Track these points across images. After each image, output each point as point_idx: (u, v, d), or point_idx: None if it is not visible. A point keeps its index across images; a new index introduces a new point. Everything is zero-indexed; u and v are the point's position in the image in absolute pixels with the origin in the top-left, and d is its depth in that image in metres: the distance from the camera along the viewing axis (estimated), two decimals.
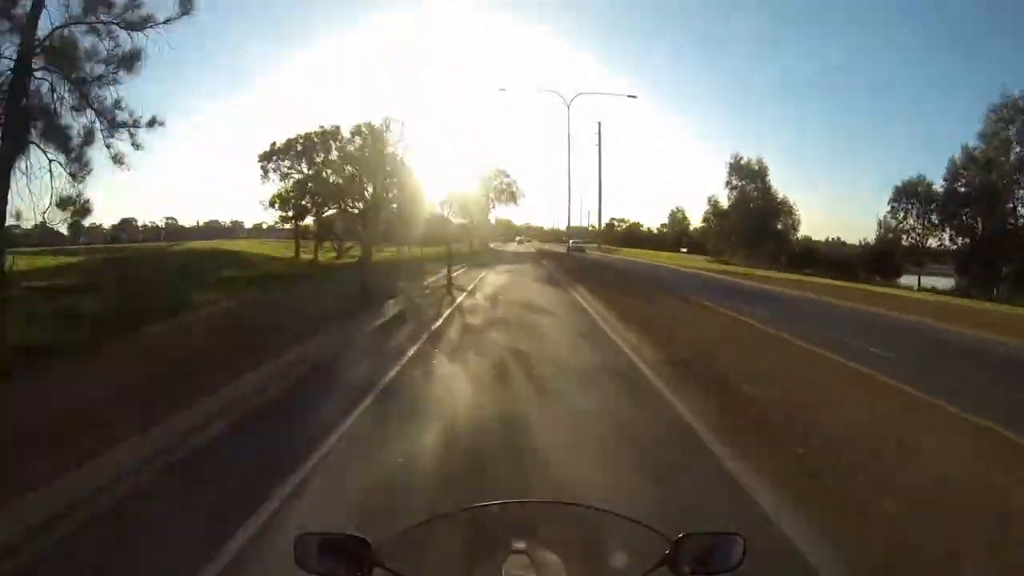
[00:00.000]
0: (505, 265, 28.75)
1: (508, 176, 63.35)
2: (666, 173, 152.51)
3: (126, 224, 78.39)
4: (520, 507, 1.24)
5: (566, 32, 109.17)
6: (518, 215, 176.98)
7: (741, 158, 46.41)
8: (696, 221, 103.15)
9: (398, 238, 48.72)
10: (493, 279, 20.76)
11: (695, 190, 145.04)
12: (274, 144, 35.61)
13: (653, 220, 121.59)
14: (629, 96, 33.29)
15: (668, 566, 0.92)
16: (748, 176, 45.59)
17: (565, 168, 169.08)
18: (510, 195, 63.39)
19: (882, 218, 37.90)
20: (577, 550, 1.08)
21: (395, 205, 42.88)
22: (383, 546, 0.95)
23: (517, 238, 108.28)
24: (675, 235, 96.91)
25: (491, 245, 71.29)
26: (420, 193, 43.13)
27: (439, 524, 1.22)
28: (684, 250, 49.84)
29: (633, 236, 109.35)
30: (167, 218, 77.12)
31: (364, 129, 37.38)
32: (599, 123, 49.80)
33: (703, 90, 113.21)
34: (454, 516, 1.21)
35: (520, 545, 1.00)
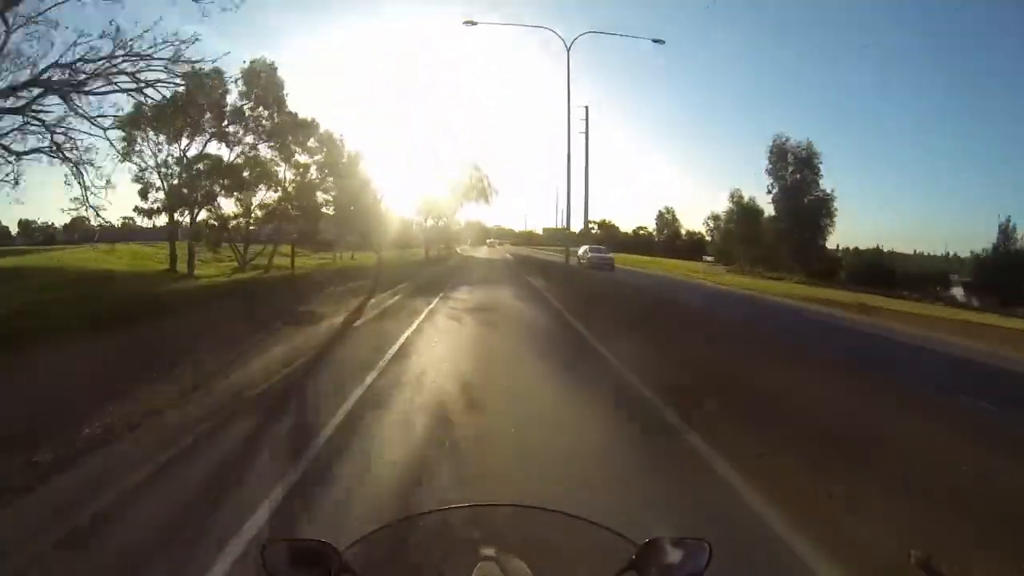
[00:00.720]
0: (472, 287, 16.78)
1: (479, 170, 52.04)
2: (636, 171, 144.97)
3: (78, 224, 65.95)
4: (488, 511, 1.30)
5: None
6: (488, 216, 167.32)
7: (786, 140, 35.81)
8: (689, 224, 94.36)
9: (336, 241, 36.57)
10: (439, 340, 8.44)
11: (674, 191, 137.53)
12: (143, 106, 22.66)
13: (625, 222, 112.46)
14: (655, 40, 22.05)
15: (634, 571, 0.91)
16: (797, 164, 34.99)
17: (540, 163, 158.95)
18: (481, 192, 52.01)
19: (1004, 221, 27.91)
20: (545, 556, 1.06)
21: (327, 197, 30.62)
22: (351, 550, 0.96)
23: (488, 241, 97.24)
24: (668, 238, 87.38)
25: (459, 249, 59.46)
26: (364, 183, 31.17)
27: (407, 527, 1.15)
28: (709, 259, 38.76)
29: (614, 240, 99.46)
30: (124, 218, 64.19)
31: (262, 75, 24.51)
32: (586, 107, 39.91)
33: (679, 82, 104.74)
34: (422, 519, 1.17)
35: (489, 551, 1.00)
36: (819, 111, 78.12)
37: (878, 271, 34.27)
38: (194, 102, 21.95)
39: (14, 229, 67.36)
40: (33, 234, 67.05)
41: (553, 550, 1.12)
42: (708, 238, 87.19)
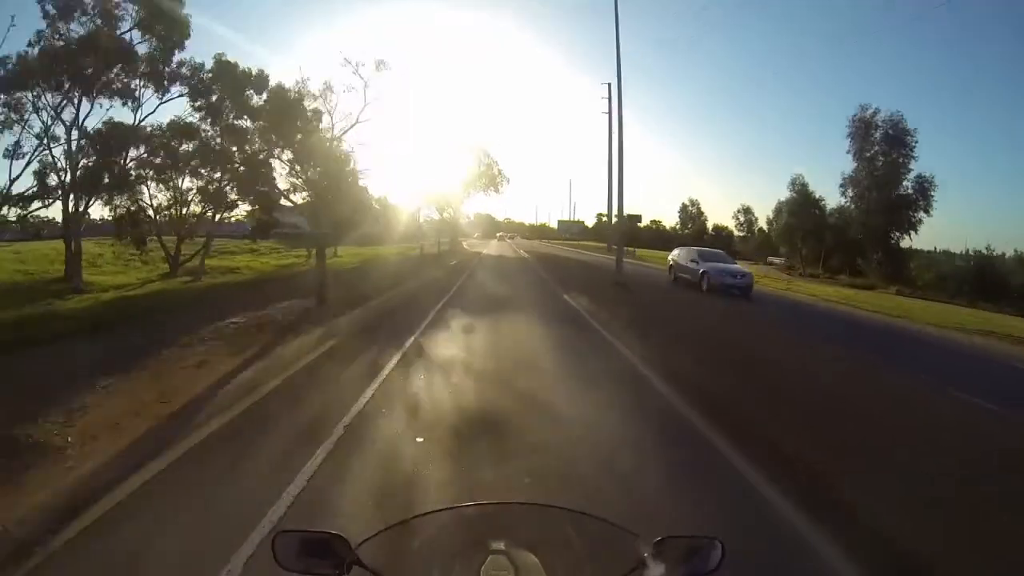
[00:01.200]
0: (473, 321, 9.26)
1: (488, 156, 45.42)
2: (645, 160, 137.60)
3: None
4: (500, 508, 1.29)
5: None
6: (498, 207, 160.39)
7: (874, 111, 28.26)
8: (716, 217, 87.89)
9: (314, 237, 29.85)
10: None
11: (690, 183, 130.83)
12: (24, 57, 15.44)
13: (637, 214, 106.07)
14: None
15: (646, 569, 0.89)
16: (885, 143, 27.45)
17: (549, 153, 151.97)
18: (491, 180, 45.50)
19: None
20: (556, 552, 1.02)
21: (294, 180, 23.79)
22: (363, 545, 0.94)
23: (499, 234, 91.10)
24: (694, 233, 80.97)
25: (465, 244, 52.69)
26: (337, 160, 24.33)
27: (418, 524, 1.11)
28: (777, 260, 31.82)
29: (633, 234, 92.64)
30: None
31: None
32: (609, 84, 34.74)
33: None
34: (433, 516, 1.14)
35: (499, 546, 0.99)
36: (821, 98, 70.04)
37: (984, 279, 26.74)
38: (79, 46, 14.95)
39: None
40: (27, 228, 63.80)
41: (564, 546, 1.06)
42: (739, 233, 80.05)
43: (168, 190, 19.31)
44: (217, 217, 20.46)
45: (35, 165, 15.63)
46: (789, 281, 24.42)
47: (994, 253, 27.61)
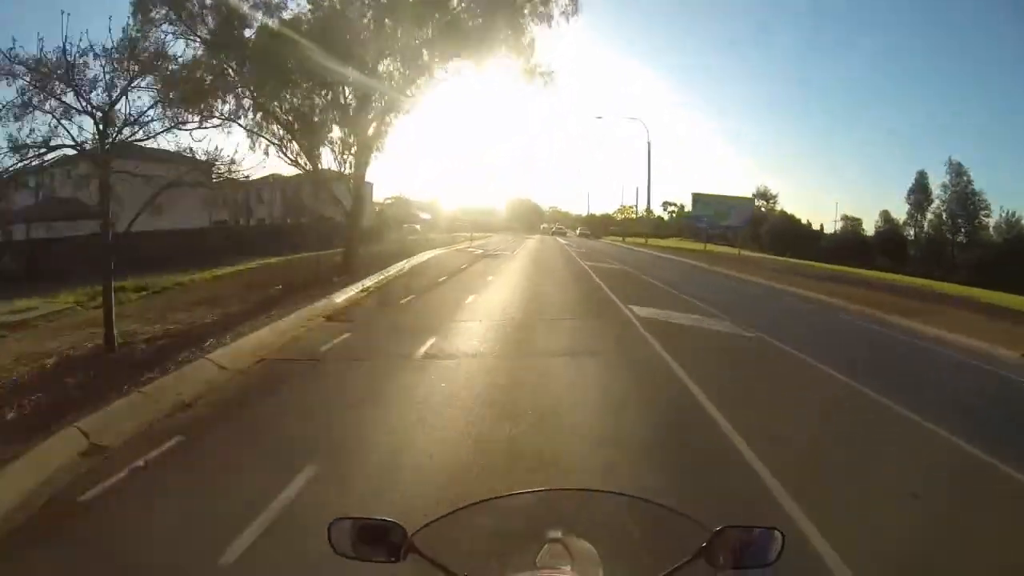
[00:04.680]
0: None
1: None
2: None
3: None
4: (556, 495, 1.30)
5: None
6: (541, 193, 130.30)
7: None
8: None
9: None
10: None
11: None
12: None
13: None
14: None
15: (705, 558, 0.89)
16: None
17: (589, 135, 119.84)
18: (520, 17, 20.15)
19: None
20: (613, 539, 1.04)
21: None
22: (418, 532, 0.94)
23: (543, 226, 66.12)
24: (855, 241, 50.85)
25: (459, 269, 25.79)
26: None
27: (474, 511, 1.09)
28: None
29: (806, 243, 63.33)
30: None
31: None
32: None
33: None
34: (489, 504, 1.11)
35: (555, 534, 0.98)
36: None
37: None
38: None
39: None
40: None
41: (621, 533, 1.06)
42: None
43: None
44: None
45: None
46: None
47: None
